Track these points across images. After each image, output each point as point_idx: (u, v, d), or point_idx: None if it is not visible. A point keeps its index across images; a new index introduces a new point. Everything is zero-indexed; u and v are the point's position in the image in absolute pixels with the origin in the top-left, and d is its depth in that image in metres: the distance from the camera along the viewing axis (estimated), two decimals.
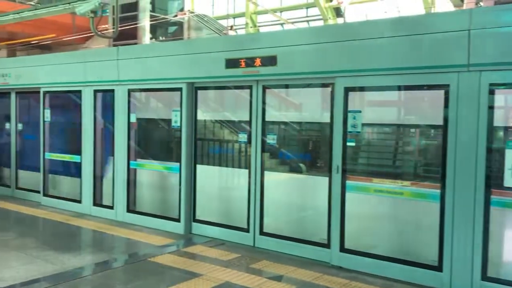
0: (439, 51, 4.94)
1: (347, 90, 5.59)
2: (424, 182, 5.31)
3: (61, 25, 21.09)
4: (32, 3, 19.95)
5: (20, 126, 9.84)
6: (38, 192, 9.15)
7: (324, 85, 6.04)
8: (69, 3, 8.69)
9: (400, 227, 5.45)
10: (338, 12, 21.86)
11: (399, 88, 5.48)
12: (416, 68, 5.11)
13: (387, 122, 5.88)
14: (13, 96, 9.85)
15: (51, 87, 8.90)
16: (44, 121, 9.04)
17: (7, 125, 10.11)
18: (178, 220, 7.11)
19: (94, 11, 6.19)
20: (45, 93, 8.99)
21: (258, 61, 6.23)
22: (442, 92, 4.97)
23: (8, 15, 10.47)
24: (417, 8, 20.11)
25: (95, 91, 8.18)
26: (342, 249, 5.60)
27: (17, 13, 10.12)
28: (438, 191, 5.00)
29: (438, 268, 4.98)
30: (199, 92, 7.08)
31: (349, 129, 5.56)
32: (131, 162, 7.72)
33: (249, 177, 6.50)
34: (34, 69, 9.22)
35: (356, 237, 5.64)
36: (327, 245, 5.76)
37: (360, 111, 5.54)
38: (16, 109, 9.86)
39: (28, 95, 9.66)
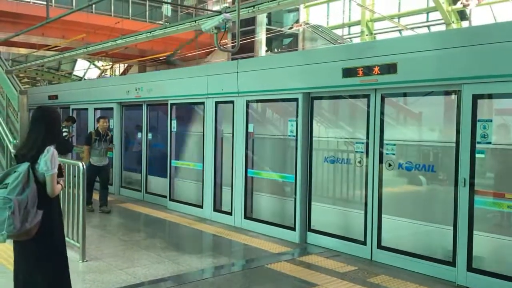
0: None
1: (476, 97, 5.20)
2: None
3: (186, 41, 22.68)
4: (160, 22, 21.74)
5: (150, 135, 10.72)
6: (165, 196, 9.86)
7: (447, 93, 5.71)
8: (195, 21, 9.31)
9: None
10: (462, 15, 20.49)
11: None
12: None
13: None
14: (144, 108, 10.77)
15: (178, 100, 9.57)
16: (171, 131, 9.74)
17: (138, 135, 11.08)
18: (293, 229, 7.17)
19: (217, 27, 6.58)
20: (172, 105, 9.70)
21: (376, 69, 6.08)
22: None
23: (142, 34, 11.53)
24: None
25: (216, 103, 8.62)
26: (470, 268, 5.19)
27: (150, 32, 11.11)
28: None
29: None
30: (314, 102, 7.11)
31: (478, 139, 5.16)
32: (248, 170, 7.98)
33: (366, 188, 6.34)
34: (163, 83, 10.00)
35: (486, 257, 5.20)
36: (452, 263, 5.38)
37: (491, 120, 5.12)
38: (147, 120, 10.76)
39: (156, 107, 10.52)
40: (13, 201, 3.36)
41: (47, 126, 3.81)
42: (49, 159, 3.65)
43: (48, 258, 3.74)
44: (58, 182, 3.83)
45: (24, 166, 3.58)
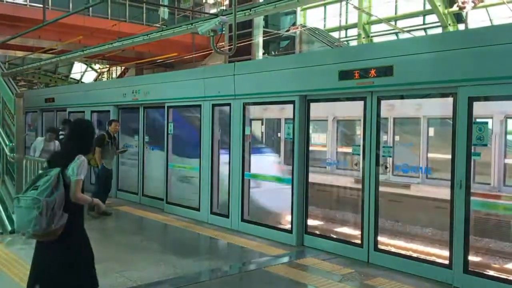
0: None
1: (472, 99, 5.22)
2: None
3: (183, 44, 22.70)
4: (157, 24, 21.74)
5: (147, 138, 10.70)
6: (162, 199, 9.84)
7: (444, 95, 5.73)
8: (191, 24, 9.30)
9: None
10: (458, 18, 20.57)
11: None
12: None
13: None
14: (141, 110, 10.75)
15: (175, 102, 9.56)
16: (168, 134, 9.72)
17: (135, 137, 11.05)
18: (290, 232, 7.17)
19: (214, 30, 6.59)
20: (169, 107, 9.69)
21: (372, 72, 6.09)
22: None
23: (138, 36, 11.50)
24: None
25: (213, 105, 8.62)
26: (466, 270, 5.20)
27: (146, 35, 11.07)
28: None
29: None
30: (311, 104, 7.11)
31: (474, 141, 5.18)
32: (245, 173, 7.97)
33: (363, 190, 6.34)
34: (160, 86, 9.99)
35: (484, 259, 5.21)
36: (448, 265, 5.39)
37: (486, 123, 5.14)
38: (144, 123, 10.74)
39: (153, 109, 10.51)
40: (42, 201, 3.51)
41: (85, 138, 4.09)
42: (77, 166, 3.83)
43: (74, 259, 3.84)
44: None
45: (55, 171, 3.74)
